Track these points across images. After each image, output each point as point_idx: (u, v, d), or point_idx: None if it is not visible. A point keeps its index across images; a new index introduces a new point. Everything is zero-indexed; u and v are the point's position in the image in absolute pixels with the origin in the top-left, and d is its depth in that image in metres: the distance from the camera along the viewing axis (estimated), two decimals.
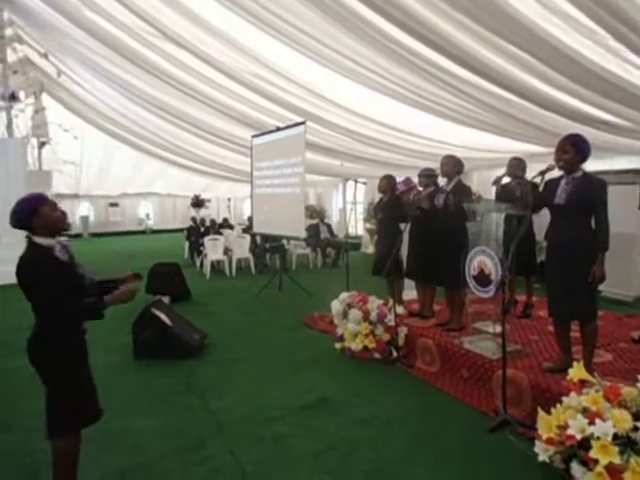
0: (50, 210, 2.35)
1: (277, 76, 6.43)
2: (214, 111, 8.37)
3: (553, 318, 3.50)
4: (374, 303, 4.86)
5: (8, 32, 9.53)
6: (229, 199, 21.47)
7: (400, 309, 5.09)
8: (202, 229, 11.85)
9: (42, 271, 2.23)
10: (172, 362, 4.64)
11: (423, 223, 4.68)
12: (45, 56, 9.19)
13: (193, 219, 13.11)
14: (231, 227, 12.91)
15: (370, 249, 12.56)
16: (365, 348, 4.67)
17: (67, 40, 8.00)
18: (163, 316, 4.84)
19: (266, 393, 3.97)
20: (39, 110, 11.77)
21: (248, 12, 4.92)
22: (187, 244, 12.34)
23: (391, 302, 4.76)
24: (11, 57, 9.93)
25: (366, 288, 5.32)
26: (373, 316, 4.72)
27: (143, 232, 21.21)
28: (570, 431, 2.44)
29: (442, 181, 4.74)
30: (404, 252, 5.05)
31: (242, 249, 10.25)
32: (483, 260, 3.83)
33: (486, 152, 7.95)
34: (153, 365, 4.63)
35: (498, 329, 3.78)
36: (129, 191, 20.36)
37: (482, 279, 3.84)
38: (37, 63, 10.98)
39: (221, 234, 10.91)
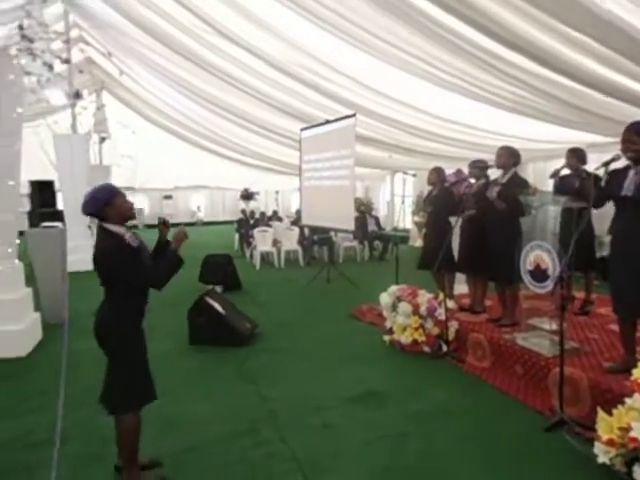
0: (121, 200, 2.52)
1: (327, 69, 6.45)
2: (264, 104, 8.50)
3: (618, 316, 3.34)
4: (424, 297, 4.82)
5: (74, 34, 10.06)
6: (277, 192, 21.78)
7: (451, 303, 5.02)
8: (252, 221, 12.10)
9: (121, 256, 2.42)
10: (225, 349, 4.81)
11: (476, 216, 4.58)
12: (108, 55, 9.61)
13: (243, 211, 13.42)
14: (280, 219, 13.10)
15: (418, 242, 12.40)
16: (414, 341, 4.65)
17: (126, 40, 8.35)
18: (217, 305, 5.01)
19: (315, 383, 4.04)
20: (100, 107, 12.38)
21: (298, 5, 4.96)
22: (237, 236, 12.65)
23: (441, 296, 4.70)
24: (76, 57, 10.48)
25: (414, 281, 5.29)
26: (423, 310, 4.69)
27: (194, 224, 21.90)
28: (633, 433, 2.34)
29: (496, 173, 4.61)
30: (455, 245, 4.96)
31: (291, 241, 10.40)
32: (540, 255, 3.71)
33: (543, 143, 7.63)
34: (207, 351, 4.81)
35: (554, 326, 3.66)
36: (182, 184, 21.05)
37: (538, 274, 3.72)
38: (98, 62, 11.55)
39: (270, 226, 11.10)
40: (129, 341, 2.53)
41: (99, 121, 12.37)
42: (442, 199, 5.15)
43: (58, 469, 2.40)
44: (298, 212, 12.12)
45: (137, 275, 2.48)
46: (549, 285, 3.58)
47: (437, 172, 5.33)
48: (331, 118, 7.74)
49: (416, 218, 12.62)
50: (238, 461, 2.89)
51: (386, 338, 4.93)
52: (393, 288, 5.11)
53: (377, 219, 12.10)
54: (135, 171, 18.38)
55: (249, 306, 6.20)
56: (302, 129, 8.74)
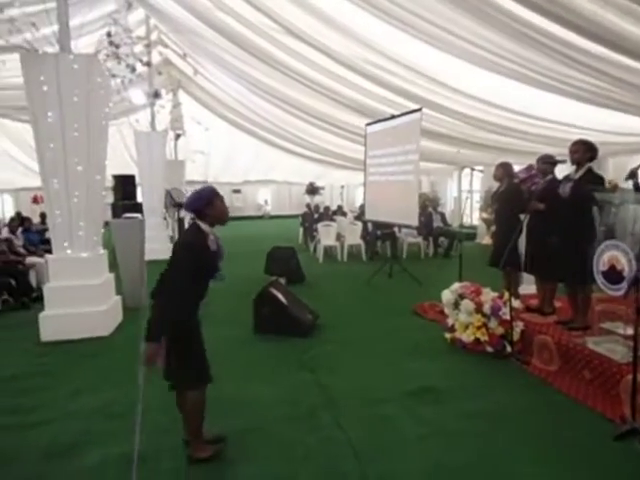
0: (220, 203, 2.74)
1: (392, 63, 6.41)
2: (330, 100, 8.60)
3: None
4: (488, 295, 4.71)
5: (153, 36, 10.72)
6: (342, 186, 21.89)
7: (516, 303, 4.86)
8: (316, 215, 12.29)
9: (188, 251, 2.61)
10: (287, 338, 4.98)
11: (545, 214, 4.39)
12: (184, 57, 10.14)
13: (308, 206, 13.65)
14: (344, 214, 13.20)
15: (486, 240, 12.01)
16: (477, 340, 4.56)
17: (201, 40, 8.77)
18: (280, 296, 5.19)
19: (374, 375, 4.10)
20: (176, 105, 13.10)
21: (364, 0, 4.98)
22: (301, 229, 12.90)
23: (507, 295, 4.57)
24: (155, 59, 11.15)
25: (480, 280, 5.16)
26: (486, 308, 4.58)
27: (261, 217, 22.56)
28: None
29: (570, 168, 4.38)
30: (522, 244, 4.79)
31: (354, 236, 10.46)
32: (615, 255, 3.50)
33: (624, 136, 7.11)
34: (270, 340, 5.01)
35: (629, 331, 3.45)
36: (250, 178, 21.77)
37: (613, 276, 3.51)
38: (175, 63, 12.22)
39: (334, 221, 11.23)
40: (185, 327, 2.70)
41: (175, 118, 13.10)
42: (509, 195, 4.98)
43: (138, 437, 2.65)
44: (362, 207, 12.14)
45: (179, 273, 2.55)
46: (624, 287, 3.38)
47: (503, 167, 5.15)
48: (396, 113, 7.68)
49: (484, 214, 12.22)
50: (296, 443, 3.02)
51: (447, 336, 4.87)
52: (455, 285, 5.03)
53: (443, 215, 11.85)
54: (207, 166, 19.30)
55: (311, 298, 6.34)
56: (367, 124, 8.75)
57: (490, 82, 6.00)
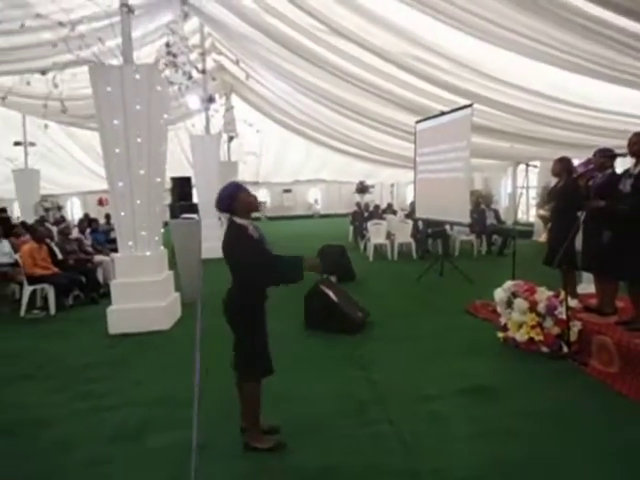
0: (245, 195, 2.85)
1: (441, 58, 6.35)
2: (378, 99, 8.61)
3: None
4: (543, 294, 4.58)
5: (207, 43, 11.13)
6: (392, 185, 21.75)
7: (574, 302, 4.69)
8: (366, 214, 12.32)
9: (240, 246, 2.75)
10: (337, 335, 5.07)
11: (603, 210, 4.21)
12: (237, 62, 10.45)
13: (357, 204, 13.70)
14: (394, 212, 13.14)
15: (543, 237, 11.57)
16: (531, 340, 4.45)
17: (251, 45, 9.03)
18: (331, 293, 5.29)
19: (425, 373, 4.10)
20: (229, 109, 13.52)
21: None
22: (351, 228, 12.97)
23: (563, 294, 4.43)
24: (209, 65, 11.58)
25: (535, 279, 5.01)
26: (541, 307, 4.46)
27: (311, 216, 22.82)
28: None
29: (630, 162, 4.18)
30: (579, 241, 4.61)
31: (404, 234, 10.40)
32: None
33: None
34: (320, 336, 5.13)
35: None
36: (300, 178, 22.09)
37: None
38: (228, 68, 12.62)
39: (384, 219, 11.21)
40: (251, 321, 2.86)
41: (228, 121, 13.52)
42: (566, 191, 4.81)
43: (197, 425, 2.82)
44: (412, 205, 12.04)
45: (246, 264, 2.72)
46: None
47: (562, 162, 4.97)
48: (446, 109, 7.58)
49: (541, 211, 11.77)
50: (346, 436, 3.10)
51: (500, 335, 4.78)
52: (509, 284, 4.93)
53: (496, 212, 11.53)
54: (258, 167, 19.78)
55: (362, 296, 6.39)
56: (417, 122, 8.68)
57: (542, 73, 5.82)
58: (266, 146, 17.77)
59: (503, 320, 4.80)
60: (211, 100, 11.20)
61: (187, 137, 11.83)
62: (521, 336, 4.51)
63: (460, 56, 6.18)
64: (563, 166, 4.94)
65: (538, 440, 2.99)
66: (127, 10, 5.41)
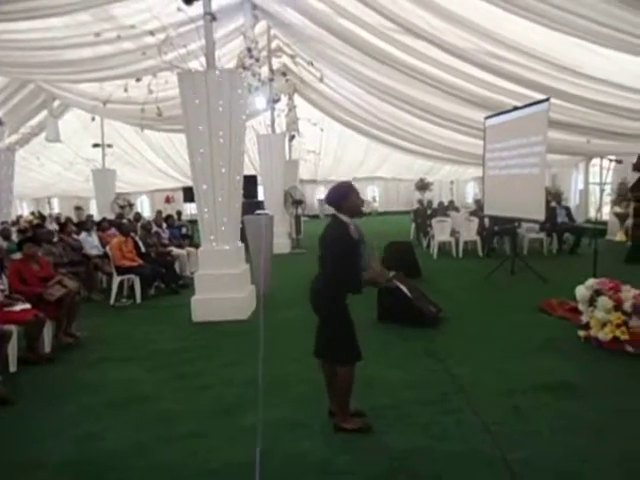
0: (356, 197, 3.03)
1: (517, 53, 6.24)
2: (446, 95, 8.54)
3: None
4: (629, 292, 4.45)
5: (273, 45, 11.47)
6: (452, 182, 21.38)
7: None
8: (429, 211, 12.23)
9: (338, 243, 2.93)
10: (410, 328, 5.14)
11: None
12: (311, 64, 10.62)
13: (420, 201, 13.63)
14: (457, 209, 12.95)
15: (619, 236, 11.03)
16: (615, 339, 4.34)
17: (316, 44, 9.22)
18: (403, 287, 5.38)
19: (505, 368, 4.11)
20: (292, 108, 13.83)
21: None
22: (413, 225, 12.91)
23: None
24: (275, 66, 11.92)
25: (616, 277, 4.85)
26: (627, 306, 4.34)
27: (369, 214, 22.83)
28: None
29: None
30: None
31: (469, 231, 10.26)
32: None
33: None
34: (394, 329, 5.22)
35: None
36: (358, 176, 22.15)
37: None
38: (292, 68, 12.91)
39: (448, 216, 11.10)
40: (337, 308, 3.03)
41: (291, 121, 13.84)
42: None
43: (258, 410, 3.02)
44: (477, 202, 11.84)
45: (339, 263, 2.89)
46: None
47: None
48: (519, 104, 7.43)
49: (617, 209, 11.19)
50: (432, 422, 3.20)
51: (581, 333, 4.68)
52: (591, 281, 4.80)
53: (568, 209, 11.08)
54: (317, 165, 20.05)
55: (430, 293, 6.39)
56: (486, 117, 8.54)
57: (624, 63, 5.59)
58: (325, 144, 17.99)
59: (585, 318, 4.69)
60: (276, 100, 11.53)
61: (253, 136, 12.22)
62: (604, 335, 4.40)
63: (534, 50, 6.05)
64: None
65: (632, 440, 2.93)
66: (210, 18, 5.74)
